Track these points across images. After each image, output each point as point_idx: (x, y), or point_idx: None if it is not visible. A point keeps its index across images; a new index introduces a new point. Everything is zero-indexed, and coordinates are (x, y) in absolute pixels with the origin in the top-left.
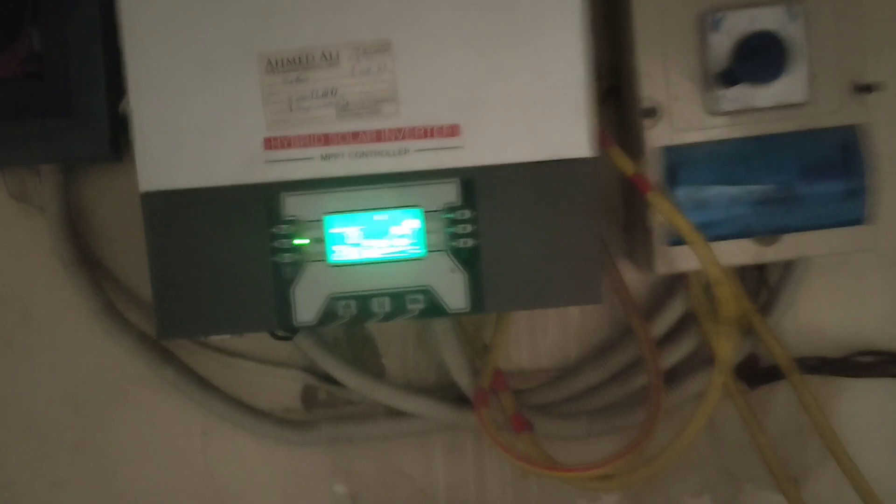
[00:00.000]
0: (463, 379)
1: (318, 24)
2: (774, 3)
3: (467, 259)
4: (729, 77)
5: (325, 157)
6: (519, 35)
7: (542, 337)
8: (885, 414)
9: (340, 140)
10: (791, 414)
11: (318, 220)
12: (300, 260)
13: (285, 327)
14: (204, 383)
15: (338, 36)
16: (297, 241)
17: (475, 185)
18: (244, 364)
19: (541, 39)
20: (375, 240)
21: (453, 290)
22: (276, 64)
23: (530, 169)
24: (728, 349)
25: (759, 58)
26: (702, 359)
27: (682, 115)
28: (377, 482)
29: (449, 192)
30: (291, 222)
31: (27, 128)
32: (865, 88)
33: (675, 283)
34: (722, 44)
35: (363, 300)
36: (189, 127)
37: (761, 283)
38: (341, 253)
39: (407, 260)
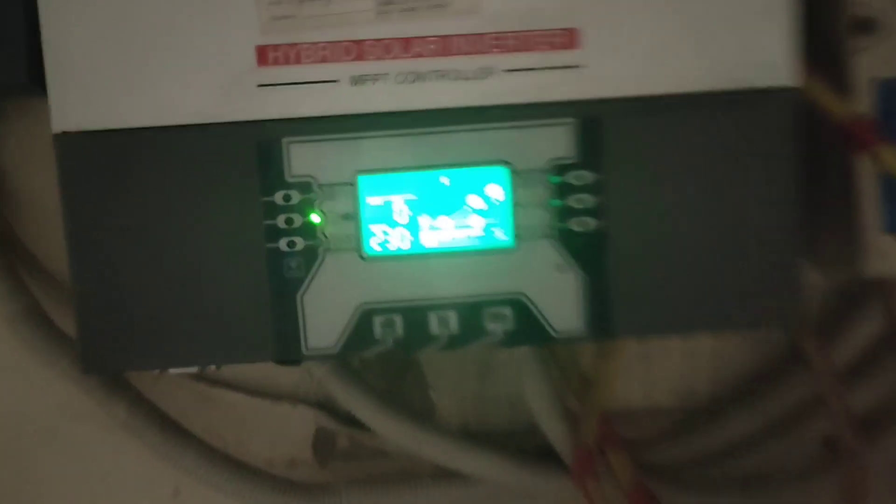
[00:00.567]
0: (553, 426)
1: None
2: None
3: (586, 251)
4: None
5: (356, 81)
6: None
7: (659, 363)
8: None
9: (382, 51)
10: None
11: (344, 184)
12: (314, 249)
13: (288, 357)
14: (172, 426)
15: None
16: (309, 219)
17: (602, 128)
18: (230, 397)
19: None
20: (436, 218)
21: (561, 300)
22: None
23: (696, 105)
24: None
25: None
26: None
27: None
28: None
29: (558, 141)
30: (300, 187)
31: None
32: None
33: (865, 290)
34: None
35: (415, 315)
36: (131, 29)
37: None
38: (382, 238)
39: (486, 252)
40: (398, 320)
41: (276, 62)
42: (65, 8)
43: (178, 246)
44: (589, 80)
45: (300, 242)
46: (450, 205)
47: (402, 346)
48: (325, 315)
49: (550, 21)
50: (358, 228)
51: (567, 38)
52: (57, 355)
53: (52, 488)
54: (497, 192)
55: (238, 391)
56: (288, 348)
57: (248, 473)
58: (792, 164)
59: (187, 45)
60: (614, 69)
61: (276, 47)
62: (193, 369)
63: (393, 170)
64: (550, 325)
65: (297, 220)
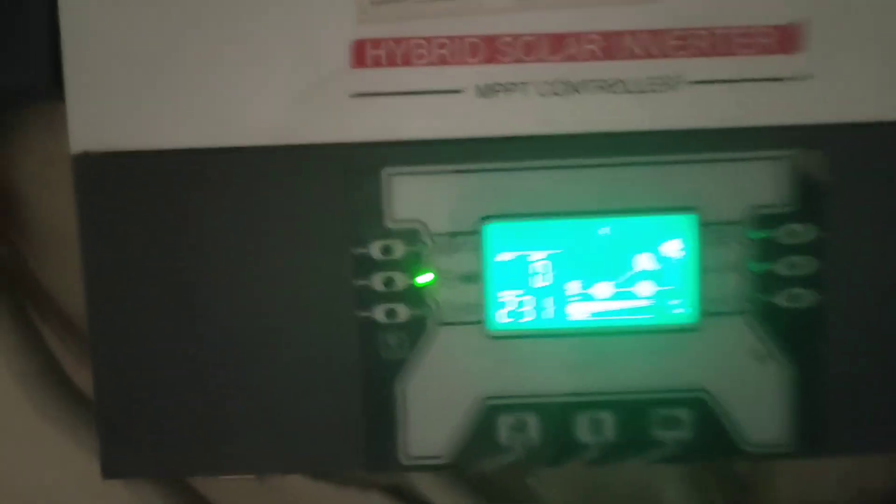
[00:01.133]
0: None
1: None
2: None
3: (796, 335)
4: None
5: (485, 91)
6: None
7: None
8: None
9: (522, 51)
10: None
11: (465, 234)
12: (421, 321)
13: (380, 468)
14: None
15: None
16: (416, 280)
17: (829, 166)
18: (288, 481)
19: None
20: (590, 282)
21: (758, 402)
22: None
23: None
24: None
25: None
26: None
27: None
28: None
29: (764, 182)
30: (405, 236)
31: None
32: None
33: None
34: None
35: (557, 416)
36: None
37: None
38: (514, 308)
39: (658, 331)
40: (533, 422)
41: (376, 63)
42: None
43: (234, 311)
44: (813, 97)
45: (403, 312)
46: (610, 265)
47: (537, 457)
48: (433, 412)
49: (761, 13)
50: (482, 294)
51: (784, 38)
52: (76, 423)
53: None
54: (677, 249)
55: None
56: (380, 455)
57: None
58: None
59: (251, 40)
60: (850, 84)
61: (376, 42)
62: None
63: (532, 216)
64: (741, 436)
65: (400, 282)
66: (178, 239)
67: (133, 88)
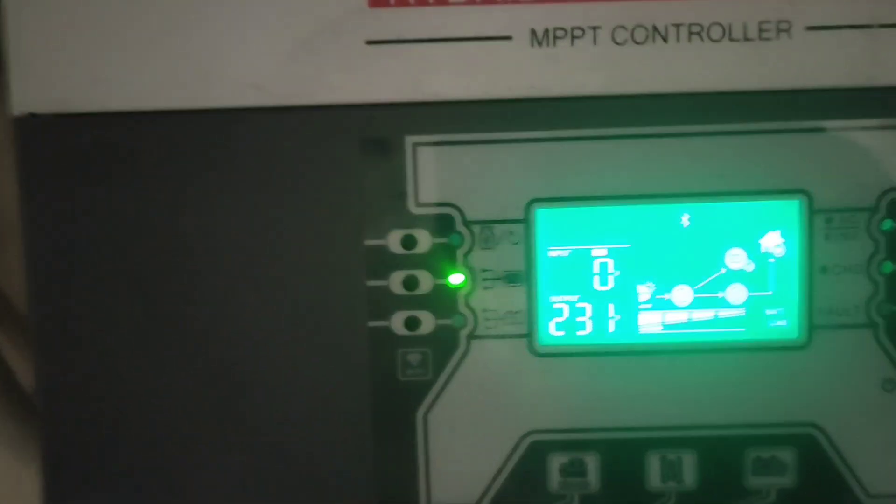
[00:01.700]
0: None
1: None
2: None
3: None
4: None
5: (540, 38)
6: None
7: None
8: None
9: None
10: None
11: (509, 222)
12: (452, 334)
13: None
14: None
15: None
16: (446, 279)
17: None
18: None
19: None
20: (667, 286)
21: (882, 441)
22: None
23: None
24: None
25: None
26: None
27: None
28: None
29: None
30: (433, 223)
31: None
32: None
33: None
34: None
35: (622, 455)
36: None
37: None
38: (568, 317)
39: (753, 348)
40: (592, 463)
41: (399, 1)
42: None
43: (208, 315)
44: None
45: (428, 321)
46: (692, 263)
47: None
48: (463, 448)
49: None
50: (530, 299)
51: None
52: (33, 449)
53: None
54: (778, 243)
55: None
56: (397, 502)
57: None
58: None
59: None
60: None
61: None
62: None
63: (594, 199)
64: (859, 482)
65: (425, 283)
66: (148, 221)
67: (85, 40)
